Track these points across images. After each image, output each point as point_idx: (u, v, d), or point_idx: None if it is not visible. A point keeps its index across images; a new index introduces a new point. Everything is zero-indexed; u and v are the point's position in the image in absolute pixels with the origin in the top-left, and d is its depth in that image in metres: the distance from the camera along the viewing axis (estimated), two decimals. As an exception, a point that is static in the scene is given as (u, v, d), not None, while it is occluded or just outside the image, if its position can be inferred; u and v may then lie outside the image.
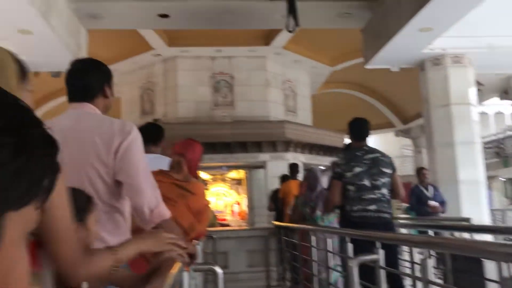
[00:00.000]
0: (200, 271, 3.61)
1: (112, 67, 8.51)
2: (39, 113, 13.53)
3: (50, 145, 0.59)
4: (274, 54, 11.43)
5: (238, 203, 13.15)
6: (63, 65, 7.07)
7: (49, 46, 6.11)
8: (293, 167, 8.00)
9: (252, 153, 10.92)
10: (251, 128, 10.69)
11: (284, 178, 8.29)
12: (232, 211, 13.17)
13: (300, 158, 11.10)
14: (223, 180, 13.31)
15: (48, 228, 0.93)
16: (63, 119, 1.85)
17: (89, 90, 1.89)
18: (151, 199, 1.78)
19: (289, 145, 11.12)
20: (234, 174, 13.09)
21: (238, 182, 13.21)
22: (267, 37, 10.77)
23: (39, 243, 0.98)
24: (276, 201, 7.98)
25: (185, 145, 2.78)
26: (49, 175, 0.57)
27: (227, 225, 11.68)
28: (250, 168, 11.71)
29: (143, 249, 1.33)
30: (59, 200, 0.91)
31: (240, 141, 10.70)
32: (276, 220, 7.54)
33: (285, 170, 8.79)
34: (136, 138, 1.79)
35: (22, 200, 0.51)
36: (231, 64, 11.53)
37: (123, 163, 1.73)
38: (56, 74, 7.08)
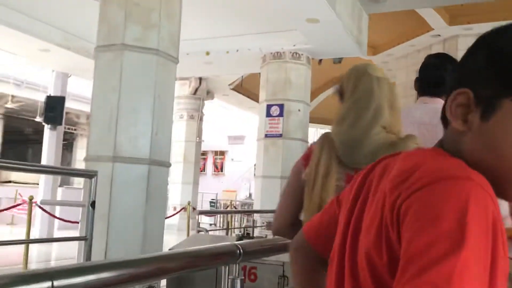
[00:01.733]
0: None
1: (387, 52, 8.32)
2: (320, 99, 14.59)
3: None
4: None
5: None
6: (345, 51, 7.38)
7: (333, 33, 6.41)
8: None
9: None
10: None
11: None
12: None
13: None
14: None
15: None
16: (414, 111, 1.98)
17: (441, 85, 1.93)
18: None
19: None
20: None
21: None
22: None
23: None
24: None
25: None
26: None
27: None
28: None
29: None
30: None
31: None
32: None
33: None
34: None
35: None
36: (524, 39, 9.98)
37: None
38: (338, 61, 7.42)
